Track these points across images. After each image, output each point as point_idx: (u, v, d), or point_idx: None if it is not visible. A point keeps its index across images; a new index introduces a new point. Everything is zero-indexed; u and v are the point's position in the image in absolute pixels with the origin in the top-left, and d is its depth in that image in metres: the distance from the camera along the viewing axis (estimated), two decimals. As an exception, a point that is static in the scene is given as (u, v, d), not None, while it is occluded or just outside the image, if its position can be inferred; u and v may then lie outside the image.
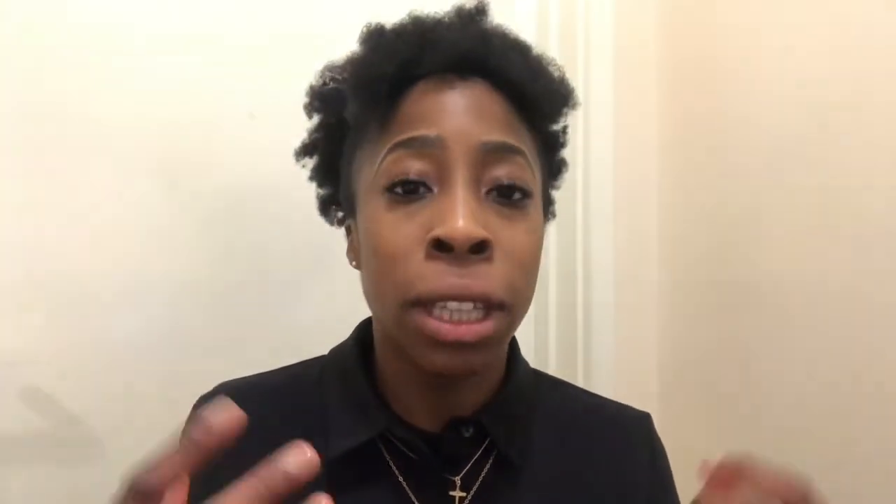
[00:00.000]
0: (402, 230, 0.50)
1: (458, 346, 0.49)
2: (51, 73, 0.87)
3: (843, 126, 0.83)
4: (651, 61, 1.15)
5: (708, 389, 1.03)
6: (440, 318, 0.49)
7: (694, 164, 1.08)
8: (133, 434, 0.88)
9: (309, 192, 0.65)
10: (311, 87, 0.60)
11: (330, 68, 0.60)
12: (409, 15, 0.56)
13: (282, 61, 0.93)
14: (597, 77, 1.10)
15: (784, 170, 0.91)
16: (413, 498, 0.55)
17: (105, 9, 0.90)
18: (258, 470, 0.34)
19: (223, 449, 0.40)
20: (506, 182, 0.52)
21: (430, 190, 0.51)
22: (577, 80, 1.08)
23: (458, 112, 0.51)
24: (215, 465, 0.56)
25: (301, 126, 0.62)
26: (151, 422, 0.86)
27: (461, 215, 0.48)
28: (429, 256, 0.49)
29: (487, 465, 0.57)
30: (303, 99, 0.61)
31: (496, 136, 0.51)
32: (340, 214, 0.63)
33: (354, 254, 0.59)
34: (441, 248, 0.48)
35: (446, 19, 0.56)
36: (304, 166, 0.63)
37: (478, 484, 0.56)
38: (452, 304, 0.49)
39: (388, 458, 0.56)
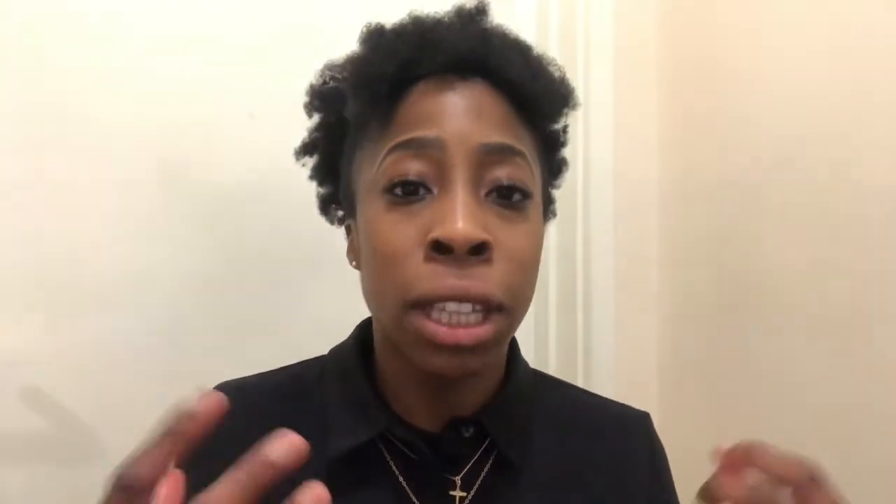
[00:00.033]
0: (402, 231, 0.50)
1: (456, 349, 0.48)
2: (51, 73, 0.87)
3: (843, 126, 0.83)
4: (651, 61, 1.15)
5: (708, 389, 1.03)
6: (438, 321, 0.49)
7: (694, 164, 1.08)
8: (133, 434, 0.87)
9: (309, 192, 0.65)
10: (311, 86, 0.60)
11: (330, 67, 0.60)
12: (409, 15, 0.56)
13: (282, 61, 0.93)
14: (597, 77, 1.10)
15: (784, 170, 0.91)
16: (413, 498, 0.55)
17: (105, 9, 0.90)
18: (243, 461, 0.33)
19: (208, 436, 0.39)
20: (505, 183, 0.51)
21: (429, 191, 0.51)
22: (577, 80, 1.07)
23: (458, 113, 0.51)
24: (215, 459, 0.56)
25: (301, 126, 0.62)
26: (151, 422, 0.86)
27: (460, 217, 0.48)
28: (428, 258, 0.49)
29: (487, 466, 0.57)
30: (303, 99, 0.61)
31: (496, 137, 0.51)
32: (341, 213, 0.63)
33: (354, 254, 0.59)
34: (440, 249, 0.48)
35: (446, 19, 0.56)
36: (304, 165, 0.63)
37: (478, 484, 0.56)
38: (451, 306, 0.48)
39: (388, 457, 0.56)
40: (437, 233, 0.48)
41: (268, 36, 0.96)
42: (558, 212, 0.66)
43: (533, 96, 0.54)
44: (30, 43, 0.87)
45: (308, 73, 0.61)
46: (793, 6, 0.91)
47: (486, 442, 0.57)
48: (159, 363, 0.90)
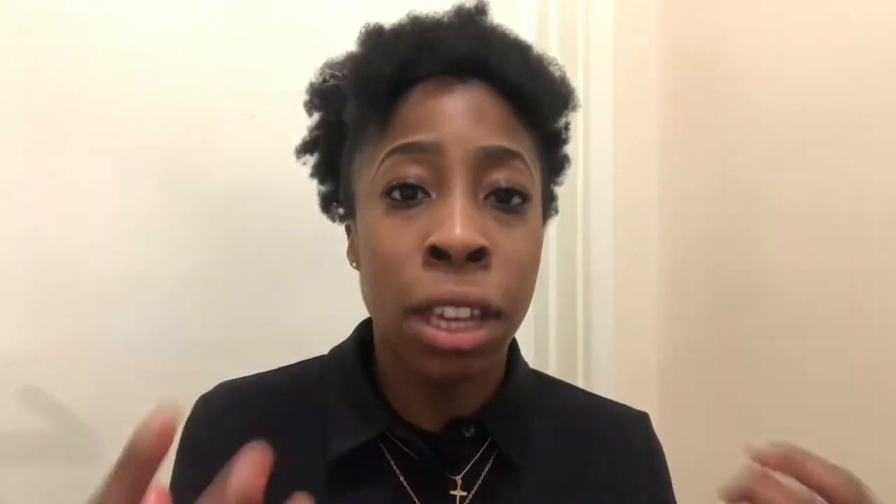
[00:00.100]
0: (400, 236, 0.50)
1: (456, 353, 0.48)
2: (51, 73, 0.87)
3: (842, 126, 0.83)
4: (651, 61, 1.15)
5: (708, 389, 1.03)
6: (437, 326, 0.48)
7: (694, 164, 1.08)
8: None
9: (309, 191, 0.65)
10: (311, 85, 0.60)
11: (330, 65, 0.59)
12: (408, 15, 0.56)
13: (282, 61, 0.93)
14: (597, 77, 1.10)
15: (784, 169, 0.91)
16: (414, 497, 0.55)
17: (105, 9, 0.90)
18: (210, 490, 0.32)
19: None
20: (504, 186, 0.51)
21: (427, 195, 0.51)
22: (577, 80, 1.08)
23: (457, 116, 0.51)
24: (215, 460, 0.56)
25: (301, 125, 0.62)
26: (151, 422, 0.86)
27: (458, 223, 0.48)
28: (426, 263, 0.49)
29: (488, 465, 0.57)
30: (303, 98, 0.61)
31: (495, 140, 0.51)
32: (342, 211, 0.63)
33: (354, 254, 0.59)
34: (438, 255, 0.48)
35: (445, 19, 0.55)
36: (304, 164, 0.63)
37: (479, 483, 0.56)
38: (449, 311, 0.48)
39: (388, 457, 0.56)
40: (436, 238, 0.48)
41: (268, 36, 0.96)
42: (558, 211, 0.66)
43: (533, 97, 0.53)
44: (30, 43, 0.87)
45: (308, 73, 0.61)
46: (793, 6, 0.91)
47: (487, 442, 0.57)
48: (159, 363, 0.90)
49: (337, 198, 0.62)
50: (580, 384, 1.06)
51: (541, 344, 1.08)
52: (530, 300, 0.55)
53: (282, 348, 0.70)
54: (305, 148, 0.62)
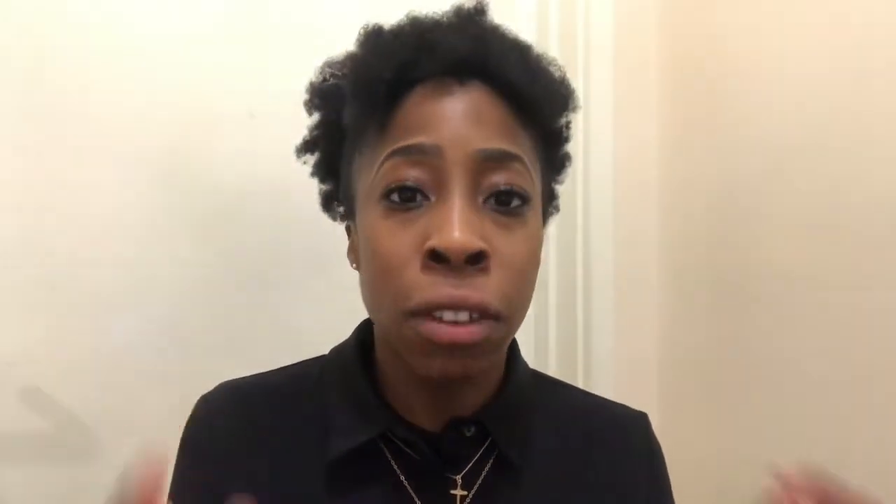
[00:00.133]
0: (399, 239, 0.50)
1: (454, 348, 0.48)
2: (51, 73, 0.87)
3: (842, 126, 0.83)
4: (651, 61, 1.15)
5: (708, 389, 1.03)
6: (437, 322, 0.48)
7: (694, 164, 1.08)
8: (133, 434, 0.87)
9: (309, 191, 0.65)
10: (311, 84, 0.60)
11: (330, 64, 0.59)
12: (407, 16, 0.56)
13: (282, 60, 0.93)
14: (597, 77, 1.10)
15: (784, 170, 0.91)
16: (414, 497, 0.55)
17: (105, 9, 0.90)
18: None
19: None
20: (503, 188, 0.51)
21: (427, 198, 0.51)
22: (577, 81, 1.08)
23: (456, 119, 0.51)
24: (216, 460, 0.57)
25: (301, 125, 0.62)
26: (151, 421, 0.86)
27: (457, 226, 0.48)
28: (425, 267, 0.49)
29: (488, 465, 0.57)
30: (303, 98, 0.61)
31: (494, 143, 0.51)
32: (342, 210, 0.63)
33: (355, 255, 0.59)
34: (437, 258, 0.48)
35: (445, 20, 0.55)
36: (305, 163, 0.63)
37: (479, 483, 0.56)
38: (448, 315, 0.48)
39: (389, 457, 0.56)
40: (434, 242, 0.48)
41: (268, 36, 0.96)
42: (559, 210, 0.66)
43: (532, 99, 0.53)
44: (30, 43, 0.87)
45: (308, 73, 0.61)
46: (793, 6, 0.91)
47: (487, 442, 0.57)
48: (159, 363, 0.90)
49: (338, 197, 0.62)
50: (580, 384, 1.06)
51: (541, 344, 1.08)
52: (530, 302, 0.55)
53: (282, 348, 0.70)
54: (306, 147, 0.62)
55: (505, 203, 0.51)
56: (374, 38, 0.55)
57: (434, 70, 0.52)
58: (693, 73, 1.08)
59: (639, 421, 0.66)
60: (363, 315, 0.61)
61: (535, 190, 0.54)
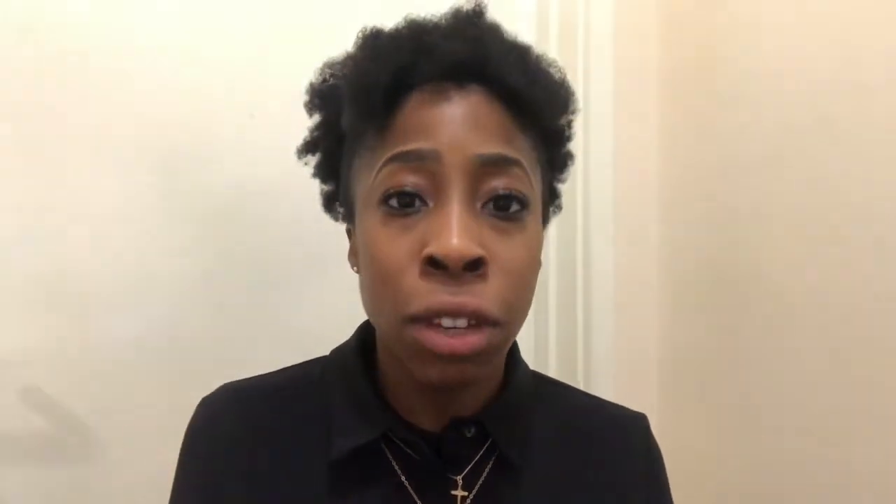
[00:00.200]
0: (398, 245, 0.50)
1: (453, 358, 0.48)
2: (51, 73, 0.87)
3: (843, 126, 0.83)
4: (651, 61, 1.15)
5: (708, 389, 1.03)
6: (436, 331, 0.48)
7: (694, 165, 1.08)
8: (133, 434, 0.88)
9: (310, 191, 0.65)
10: (311, 85, 0.60)
11: (330, 65, 0.59)
12: (405, 19, 0.55)
13: (282, 61, 0.93)
14: (597, 77, 1.10)
15: (784, 170, 0.91)
16: (415, 497, 0.55)
17: (105, 9, 0.90)
18: None
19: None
20: (502, 192, 0.51)
21: (425, 203, 0.50)
22: (577, 81, 1.08)
23: (454, 124, 0.51)
24: (218, 462, 0.57)
25: (302, 125, 0.62)
26: (151, 421, 0.86)
27: (455, 233, 0.48)
28: (423, 273, 0.49)
29: (489, 466, 0.57)
30: (303, 98, 0.61)
31: (493, 147, 0.51)
32: (343, 211, 0.63)
33: (355, 258, 0.59)
34: (435, 265, 0.48)
35: (443, 22, 0.55)
36: (306, 164, 0.63)
37: (479, 484, 0.56)
38: (447, 321, 0.48)
39: (390, 457, 0.56)
40: (432, 249, 0.48)
41: (268, 36, 0.96)
42: (562, 209, 0.66)
43: (531, 102, 0.53)
44: (30, 43, 0.87)
45: (308, 73, 0.61)
46: (793, 6, 0.91)
47: (488, 442, 0.57)
48: (159, 363, 0.90)
49: (339, 198, 0.62)
50: (580, 384, 1.07)
51: (541, 344, 1.08)
52: (529, 307, 0.54)
53: (282, 349, 0.70)
54: (306, 148, 0.62)
55: (504, 208, 0.51)
56: (372, 42, 0.55)
57: (432, 74, 0.52)
58: (693, 73, 1.08)
59: (638, 421, 0.66)
60: (364, 315, 0.61)
61: (534, 194, 0.54)
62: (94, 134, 0.89)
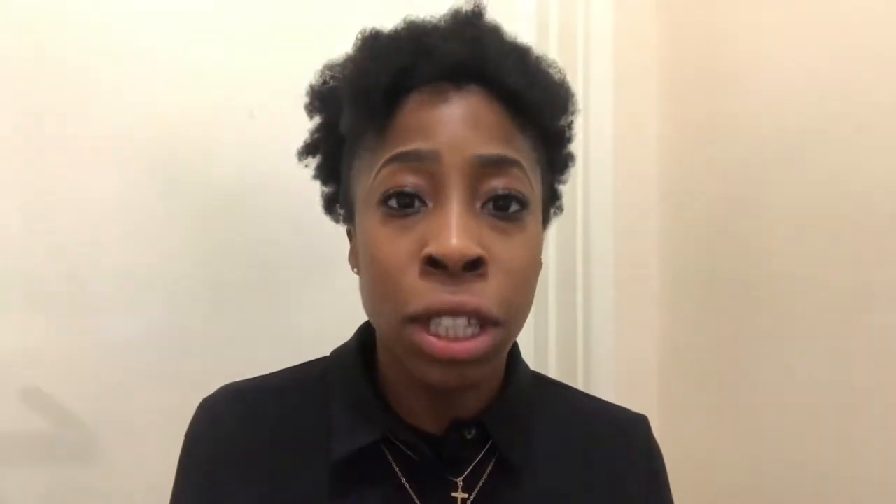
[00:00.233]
0: (397, 245, 0.50)
1: (453, 363, 0.48)
2: (51, 73, 0.87)
3: (842, 126, 0.83)
4: (651, 61, 1.15)
5: (707, 389, 1.03)
6: (436, 335, 0.48)
7: (694, 164, 1.08)
8: (132, 434, 0.88)
9: (310, 191, 0.65)
10: (311, 87, 0.60)
11: (330, 67, 0.59)
12: (404, 20, 0.55)
13: (282, 60, 0.93)
14: (597, 77, 1.10)
15: (784, 170, 0.91)
16: (415, 499, 0.55)
17: (105, 9, 0.90)
18: None
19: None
20: (501, 192, 0.51)
21: (424, 204, 0.51)
22: (577, 81, 1.08)
23: (454, 124, 0.51)
24: (219, 463, 0.57)
25: (301, 125, 0.62)
26: (151, 422, 0.86)
27: (455, 233, 0.48)
28: (423, 273, 0.49)
29: (489, 468, 0.57)
30: (303, 97, 0.61)
31: (492, 148, 0.51)
32: (344, 213, 0.63)
33: (355, 259, 0.59)
34: (435, 265, 0.48)
35: (442, 24, 0.55)
36: (307, 166, 0.63)
37: (479, 486, 0.56)
38: (446, 321, 0.48)
39: (390, 459, 0.56)
40: (432, 249, 0.48)
41: (268, 36, 0.95)
42: (563, 210, 0.66)
43: (530, 102, 0.53)
44: (30, 43, 0.87)
45: (308, 72, 0.60)
46: (793, 6, 0.91)
47: (489, 444, 0.57)
48: (159, 363, 0.90)
49: (339, 200, 0.62)
50: (580, 384, 1.07)
51: (541, 344, 1.08)
52: (530, 307, 0.54)
53: (282, 349, 0.70)
54: (307, 150, 0.62)
55: (503, 208, 0.51)
56: (371, 43, 0.55)
57: (431, 75, 0.52)
58: (693, 73, 1.08)
59: (639, 423, 0.66)
60: (364, 316, 0.61)
61: (534, 194, 0.54)
62: (94, 134, 0.89)
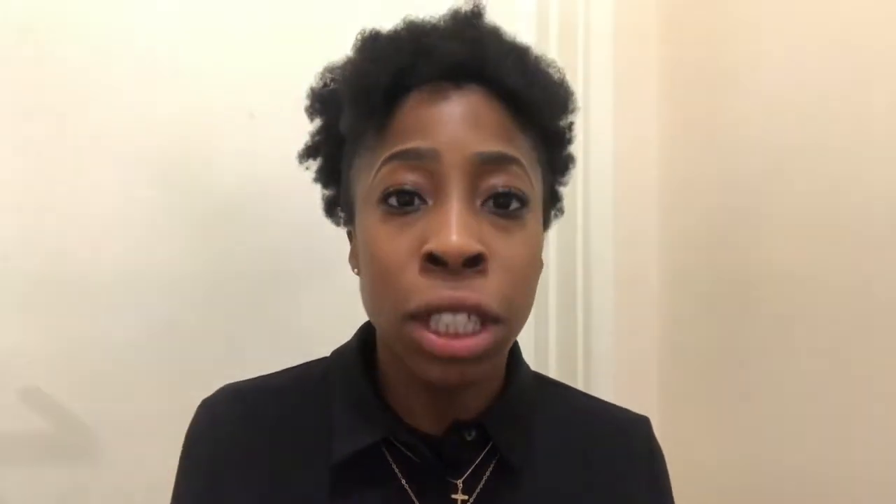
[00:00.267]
0: (397, 243, 0.50)
1: (453, 360, 0.49)
2: (51, 73, 0.87)
3: (842, 126, 0.83)
4: (651, 61, 1.15)
5: (708, 389, 1.03)
6: (436, 332, 0.49)
7: (694, 164, 1.08)
8: (132, 434, 0.88)
9: (310, 192, 0.65)
10: (312, 90, 0.60)
11: (330, 69, 0.59)
12: (403, 20, 0.56)
13: (282, 61, 0.93)
14: (597, 77, 1.10)
15: (784, 169, 0.91)
16: (415, 500, 0.55)
17: (105, 9, 0.90)
18: None
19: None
20: (501, 190, 0.51)
21: (424, 202, 0.51)
22: (577, 80, 1.08)
23: (453, 122, 0.51)
24: (219, 464, 0.57)
25: (302, 126, 0.62)
26: (151, 422, 0.86)
27: (455, 230, 0.48)
28: (423, 270, 0.49)
29: (489, 469, 0.57)
30: (303, 99, 0.61)
31: (492, 146, 0.51)
32: (344, 215, 0.63)
33: (356, 260, 0.59)
34: (435, 261, 0.48)
35: (441, 24, 0.55)
36: (307, 168, 0.63)
37: (480, 487, 0.56)
38: (447, 317, 0.48)
39: (390, 460, 0.56)
40: (432, 245, 0.48)
41: (268, 36, 0.95)
42: (564, 212, 0.66)
43: (530, 101, 0.53)
44: (30, 43, 0.87)
45: (308, 73, 0.61)
46: (793, 6, 0.91)
47: (489, 445, 0.57)
48: (159, 363, 0.90)
49: (339, 202, 0.62)
50: (580, 384, 1.07)
51: (541, 344, 1.08)
52: (531, 305, 0.55)
53: (283, 349, 0.70)
54: (308, 153, 0.62)
55: (503, 206, 0.51)
56: (371, 43, 0.55)
57: (431, 75, 0.52)
58: (693, 73, 1.08)
59: (640, 424, 0.66)
60: (365, 316, 0.61)
61: (534, 193, 0.54)
62: (94, 134, 0.89)
